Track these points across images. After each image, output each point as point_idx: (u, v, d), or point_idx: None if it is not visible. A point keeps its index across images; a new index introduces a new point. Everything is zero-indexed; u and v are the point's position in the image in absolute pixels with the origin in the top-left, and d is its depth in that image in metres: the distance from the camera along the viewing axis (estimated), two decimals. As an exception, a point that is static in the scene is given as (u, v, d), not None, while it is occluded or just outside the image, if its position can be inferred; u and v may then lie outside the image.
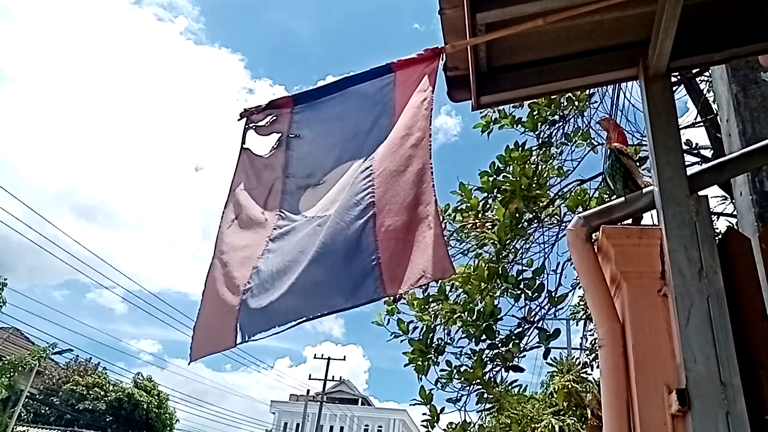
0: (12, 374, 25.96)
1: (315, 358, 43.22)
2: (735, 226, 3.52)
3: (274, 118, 2.94)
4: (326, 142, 2.80)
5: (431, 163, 2.36)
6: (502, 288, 5.51)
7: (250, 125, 2.97)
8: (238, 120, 3.02)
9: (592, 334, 10.61)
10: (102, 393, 32.07)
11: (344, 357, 44.92)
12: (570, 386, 9.83)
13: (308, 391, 44.31)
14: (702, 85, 6.20)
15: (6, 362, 25.92)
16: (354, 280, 2.24)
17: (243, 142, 2.97)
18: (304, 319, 2.31)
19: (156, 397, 34.92)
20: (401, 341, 5.74)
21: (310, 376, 43.58)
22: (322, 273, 2.30)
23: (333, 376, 43.86)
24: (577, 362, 11.03)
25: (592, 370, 10.35)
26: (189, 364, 2.62)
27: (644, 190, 2.47)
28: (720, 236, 2.37)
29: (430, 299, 5.80)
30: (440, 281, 5.86)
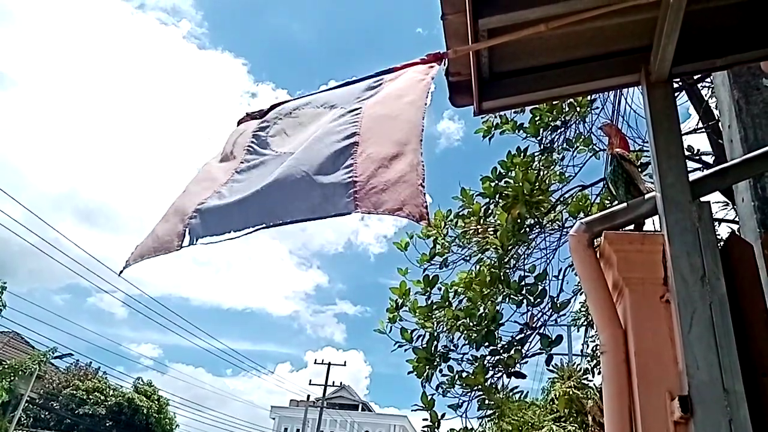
0: (12, 378, 25.90)
1: (316, 363, 43.14)
2: (737, 232, 3.51)
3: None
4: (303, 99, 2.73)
5: (423, 124, 2.19)
6: (504, 294, 5.50)
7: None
8: (237, 125, 3.02)
9: (594, 341, 10.58)
10: (102, 398, 31.99)
11: (345, 362, 44.70)
12: (571, 393, 9.80)
13: (308, 396, 44.18)
14: (703, 91, 6.20)
15: (6, 366, 25.88)
16: (324, 192, 2.07)
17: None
18: (263, 226, 2.12)
19: (156, 402, 34.84)
20: (407, 360, 5.72)
21: (310, 381, 43.50)
22: (290, 184, 2.14)
23: (333, 382, 43.82)
24: (578, 369, 11.02)
25: (593, 376, 10.34)
26: (120, 273, 2.35)
27: (646, 196, 2.47)
28: (722, 242, 2.37)
29: (434, 306, 5.79)
30: (443, 290, 5.86)
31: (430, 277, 5.88)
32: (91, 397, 31.58)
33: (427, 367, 5.60)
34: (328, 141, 2.25)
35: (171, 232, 2.25)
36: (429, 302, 5.87)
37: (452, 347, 5.75)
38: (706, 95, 6.19)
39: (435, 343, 5.70)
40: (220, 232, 2.15)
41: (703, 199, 2.30)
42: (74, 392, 31.28)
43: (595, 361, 10.21)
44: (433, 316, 5.83)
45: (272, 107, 2.99)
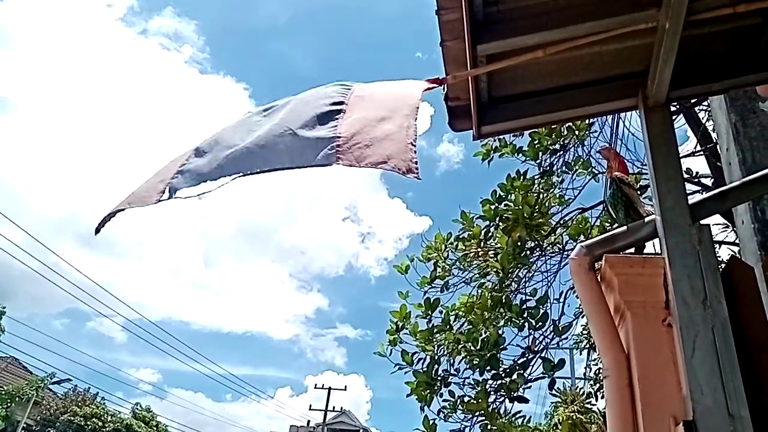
0: (9, 405, 25.65)
1: (316, 387, 42.69)
2: (737, 255, 3.51)
3: None
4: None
5: (419, 99, 2.13)
6: (506, 317, 5.48)
7: None
8: None
9: (596, 364, 10.51)
10: (100, 424, 31.60)
11: (345, 387, 44.29)
12: (575, 417, 9.68)
13: (308, 422, 43.69)
14: (701, 114, 6.25)
15: (3, 393, 25.64)
16: (305, 144, 2.03)
17: None
18: (239, 174, 2.04)
19: (155, 428, 34.45)
20: (406, 382, 5.68)
21: (310, 406, 43.00)
22: (271, 138, 2.10)
23: (334, 407, 43.34)
24: (581, 393, 10.91)
25: (596, 400, 10.23)
26: (97, 232, 2.25)
27: (646, 219, 2.47)
28: (723, 265, 2.36)
29: (435, 330, 5.76)
30: (444, 313, 5.84)
31: (431, 300, 5.86)
32: (89, 423, 31.20)
33: (428, 390, 5.55)
34: (315, 104, 2.21)
35: (150, 189, 2.18)
36: (430, 325, 5.84)
37: (453, 371, 5.71)
38: (703, 118, 6.24)
39: (436, 366, 5.66)
40: (196, 182, 2.09)
41: (703, 222, 2.31)
42: (72, 418, 30.91)
43: (598, 385, 10.12)
44: (434, 340, 5.80)
45: None
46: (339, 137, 2.01)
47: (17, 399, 26.26)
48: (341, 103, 2.20)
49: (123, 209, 2.18)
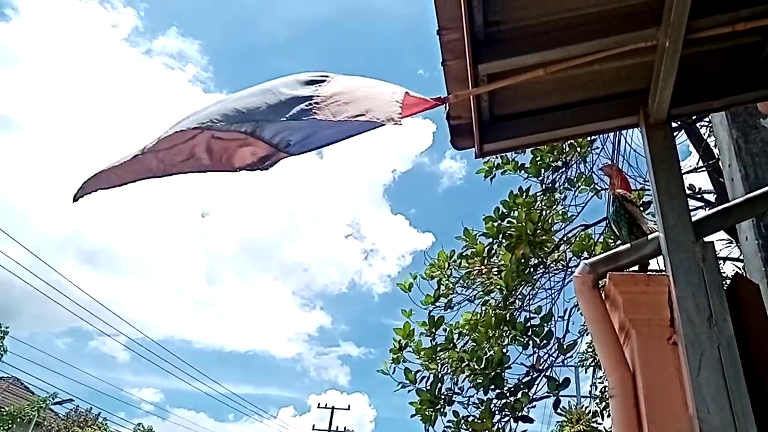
0: (10, 426, 25.48)
1: (319, 407, 42.29)
2: (742, 271, 3.50)
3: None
4: None
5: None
6: (510, 335, 5.44)
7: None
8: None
9: (602, 382, 10.43)
10: (101, 445, 31.36)
11: (348, 406, 43.76)
12: (581, 436, 9.55)
13: (312, 441, 43.16)
14: (702, 130, 6.27)
15: (5, 413, 25.49)
16: (283, 99, 2.03)
17: None
18: (210, 125, 2.04)
19: (156, 449, 34.12)
20: (410, 402, 5.63)
21: (313, 426, 42.53)
22: (248, 94, 2.11)
23: (337, 426, 42.86)
24: (587, 411, 10.80)
25: (602, 419, 10.14)
26: (75, 199, 2.24)
27: (650, 237, 2.47)
28: (728, 282, 2.35)
29: (438, 348, 5.73)
30: (447, 331, 5.80)
31: (435, 318, 5.84)
32: (90, 444, 30.96)
33: (431, 409, 5.50)
34: (298, 77, 2.22)
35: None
36: (433, 343, 5.81)
37: (457, 390, 5.66)
38: (705, 134, 6.25)
39: (439, 385, 5.61)
40: (170, 133, 2.10)
41: (706, 239, 2.30)
42: (73, 439, 30.67)
43: (604, 404, 10.03)
44: (438, 358, 5.76)
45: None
46: (318, 95, 2.02)
47: (18, 420, 26.09)
48: (325, 77, 2.20)
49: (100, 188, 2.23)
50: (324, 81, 2.16)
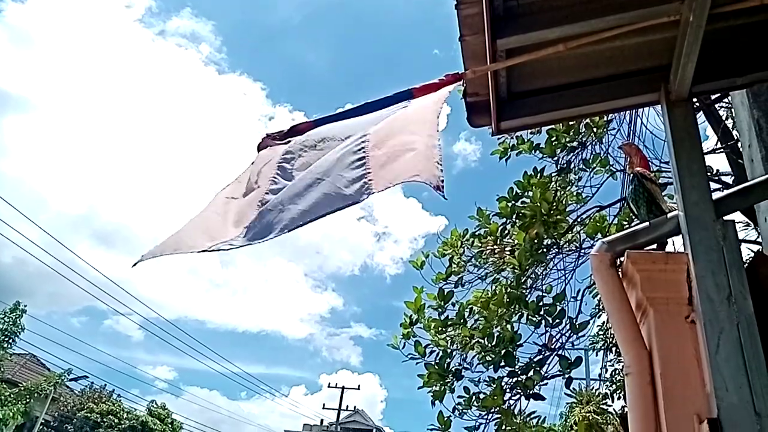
0: (28, 401, 26.00)
1: (329, 387, 42.76)
2: (762, 251, 3.46)
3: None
4: (327, 129, 2.81)
5: (437, 121, 2.21)
6: (521, 314, 5.44)
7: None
8: (258, 151, 3.05)
9: (612, 365, 10.43)
10: (116, 420, 31.92)
11: (359, 386, 44.27)
12: (591, 418, 9.61)
13: (322, 420, 43.80)
14: (721, 112, 6.17)
15: (22, 389, 26.00)
16: (340, 188, 2.15)
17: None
18: (299, 225, 2.16)
19: (170, 426, 34.71)
20: (418, 374, 5.66)
21: (324, 405, 43.08)
22: (311, 191, 2.24)
23: (347, 406, 43.42)
24: (597, 393, 10.83)
25: (612, 401, 10.16)
26: (134, 265, 2.32)
27: (669, 215, 2.44)
28: (748, 261, 2.33)
29: (448, 323, 5.74)
30: (458, 307, 5.81)
31: (445, 292, 5.84)
32: (105, 420, 31.53)
33: (440, 383, 5.53)
34: (340, 155, 2.32)
35: (223, 229, 2.34)
36: (443, 318, 5.82)
37: (466, 365, 5.68)
38: (723, 115, 6.16)
39: (448, 360, 5.63)
40: (266, 234, 2.22)
41: (726, 217, 2.27)
42: (88, 415, 31.26)
43: (614, 386, 10.04)
44: (447, 333, 5.78)
45: (292, 129, 3.01)
46: (368, 171, 2.13)
47: (36, 395, 26.60)
48: (365, 146, 2.29)
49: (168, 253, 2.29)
50: (365, 156, 2.24)
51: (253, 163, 2.94)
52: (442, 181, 1.89)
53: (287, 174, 2.63)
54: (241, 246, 2.23)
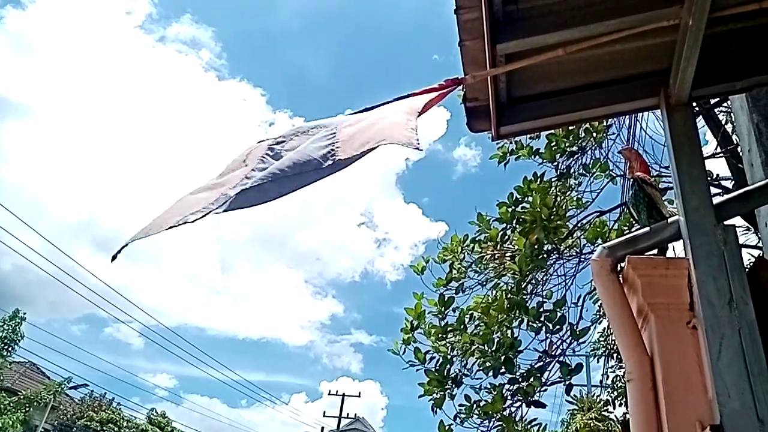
0: (27, 409, 25.93)
1: (330, 394, 42.61)
2: (763, 257, 3.44)
3: None
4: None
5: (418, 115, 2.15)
6: (521, 320, 5.42)
7: None
8: None
9: (614, 371, 10.40)
10: (116, 429, 31.81)
11: (359, 394, 44.02)
12: (592, 425, 9.56)
13: (323, 428, 43.59)
14: (721, 116, 6.17)
15: (22, 397, 25.94)
16: (308, 156, 2.13)
17: None
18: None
19: (170, 433, 34.59)
20: (419, 383, 5.64)
21: (324, 413, 42.90)
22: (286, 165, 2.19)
23: (348, 413, 43.22)
24: (598, 400, 10.78)
25: (614, 408, 10.11)
26: (113, 259, 2.15)
27: (669, 220, 2.43)
28: (749, 266, 2.32)
29: (448, 329, 5.72)
30: (458, 313, 5.79)
31: (446, 298, 5.82)
32: (105, 428, 31.42)
33: (439, 390, 5.50)
34: (318, 136, 2.31)
35: (199, 203, 2.22)
36: (443, 324, 5.80)
37: (466, 372, 5.66)
38: (723, 120, 6.16)
39: (448, 366, 5.61)
40: (246, 205, 2.14)
41: (727, 222, 2.26)
42: (88, 423, 31.15)
43: (615, 393, 10.01)
44: (447, 340, 5.76)
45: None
46: (336, 141, 2.11)
47: (35, 403, 26.54)
48: (334, 132, 2.25)
49: (143, 237, 2.17)
50: (335, 128, 2.24)
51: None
52: (418, 141, 1.86)
53: (276, 154, 2.60)
54: (215, 211, 2.12)
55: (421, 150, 1.87)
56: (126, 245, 2.17)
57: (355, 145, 2.03)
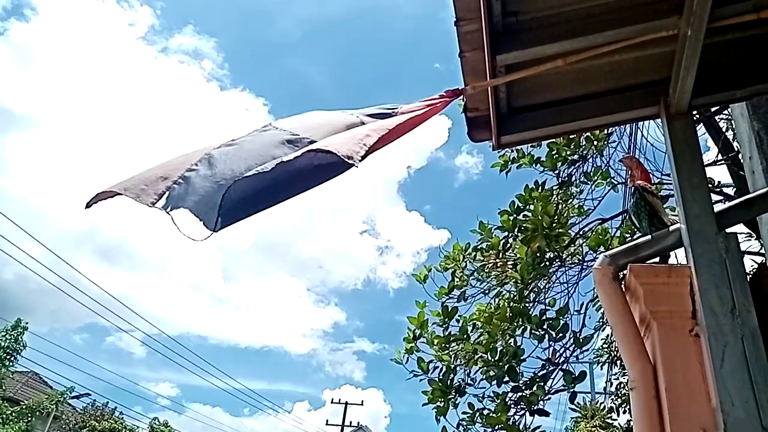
0: (29, 419, 25.88)
1: (333, 402, 42.44)
2: (765, 264, 3.45)
3: None
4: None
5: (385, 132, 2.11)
6: (524, 328, 5.41)
7: None
8: None
9: (617, 378, 10.35)
10: (118, 438, 31.71)
11: (362, 402, 43.82)
12: (596, 432, 9.48)
13: (325, 437, 43.34)
14: (722, 124, 6.19)
15: (24, 407, 25.89)
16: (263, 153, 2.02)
17: None
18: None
19: (172, 443, 34.45)
20: (422, 390, 5.62)
21: (327, 421, 42.70)
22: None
23: (351, 422, 43.02)
24: (602, 407, 10.73)
25: (618, 415, 10.06)
26: (87, 206, 2.15)
27: (671, 228, 2.44)
28: (751, 273, 2.32)
29: (451, 338, 5.71)
30: (461, 322, 5.79)
31: (449, 309, 5.82)
32: (107, 438, 31.31)
33: (443, 399, 5.49)
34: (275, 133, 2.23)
35: (149, 184, 2.10)
36: (447, 333, 5.79)
37: (469, 381, 5.64)
38: (723, 127, 6.17)
39: (451, 375, 5.60)
40: (196, 212, 2.02)
41: (728, 230, 2.27)
42: (90, 433, 31.03)
43: (619, 400, 9.96)
44: (450, 349, 5.75)
45: None
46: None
47: (37, 413, 26.49)
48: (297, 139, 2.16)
49: (118, 193, 2.09)
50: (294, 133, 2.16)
51: None
52: (360, 155, 1.81)
53: (233, 142, 2.47)
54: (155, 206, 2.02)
55: (357, 167, 1.82)
56: (101, 196, 2.12)
57: (304, 149, 1.96)
